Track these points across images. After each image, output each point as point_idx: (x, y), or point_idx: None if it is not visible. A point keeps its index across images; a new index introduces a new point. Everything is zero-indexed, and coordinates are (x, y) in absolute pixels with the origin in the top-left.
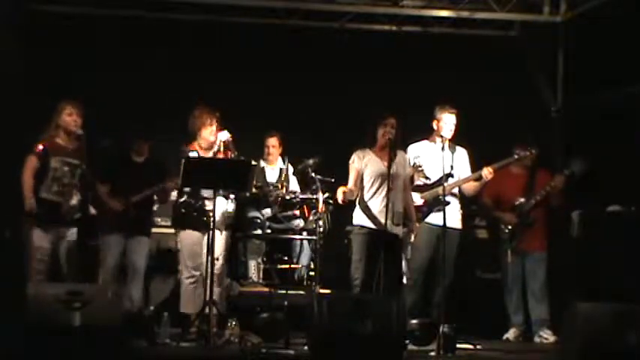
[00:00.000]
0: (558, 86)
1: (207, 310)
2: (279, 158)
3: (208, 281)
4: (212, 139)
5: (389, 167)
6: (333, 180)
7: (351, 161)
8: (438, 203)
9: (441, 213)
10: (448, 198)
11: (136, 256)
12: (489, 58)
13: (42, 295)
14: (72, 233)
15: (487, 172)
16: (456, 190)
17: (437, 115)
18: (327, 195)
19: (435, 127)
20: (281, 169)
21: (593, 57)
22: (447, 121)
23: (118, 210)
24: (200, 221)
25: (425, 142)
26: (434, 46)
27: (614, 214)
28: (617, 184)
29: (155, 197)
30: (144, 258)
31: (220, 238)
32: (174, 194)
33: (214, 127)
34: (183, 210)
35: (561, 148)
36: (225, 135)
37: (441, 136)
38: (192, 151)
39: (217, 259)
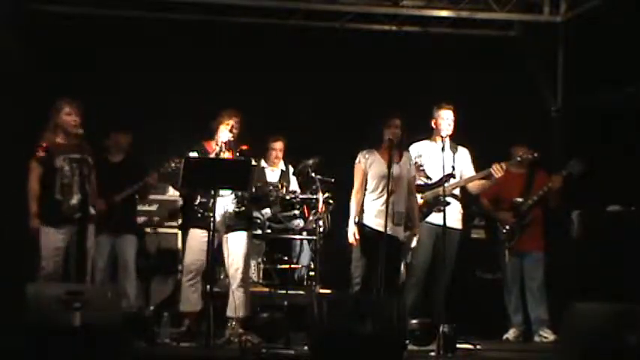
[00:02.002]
0: (558, 86)
1: (209, 309)
2: (281, 160)
3: (213, 281)
4: (224, 137)
5: (389, 167)
6: (333, 180)
7: (356, 161)
8: (438, 203)
9: (442, 213)
10: (448, 198)
11: (126, 255)
12: (489, 58)
13: (42, 295)
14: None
15: (497, 168)
16: (456, 191)
17: (434, 114)
18: (327, 195)
19: (434, 125)
20: (281, 170)
21: (593, 57)
22: (444, 117)
23: (102, 209)
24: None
25: (426, 141)
26: (434, 46)
27: (614, 214)
28: (616, 184)
29: (137, 196)
30: (133, 255)
31: (241, 239)
32: (173, 192)
33: (229, 126)
34: (200, 212)
35: (561, 148)
36: (226, 136)
37: (441, 136)
38: (193, 150)
39: (239, 260)
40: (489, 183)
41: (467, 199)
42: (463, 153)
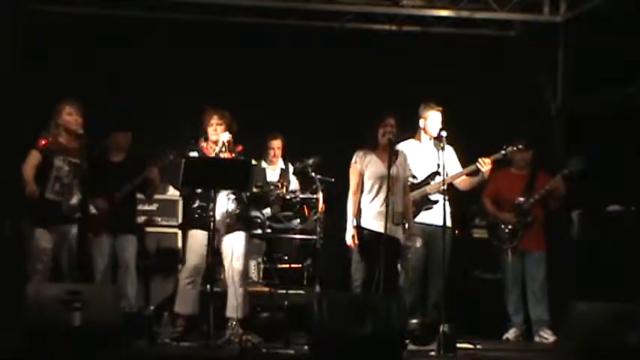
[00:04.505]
0: (558, 86)
1: (209, 309)
2: (281, 159)
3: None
4: (214, 138)
5: (389, 168)
6: (332, 180)
7: (352, 162)
8: (425, 203)
9: (429, 212)
10: (437, 196)
11: (126, 255)
12: (489, 58)
13: (42, 295)
14: (73, 232)
15: (482, 162)
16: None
17: (422, 114)
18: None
19: (421, 125)
20: (282, 169)
21: (593, 57)
22: (433, 119)
23: (105, 209)
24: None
25: (411, 140)
26: (434, 46)
27: (614, 214)
28: (616, 184)
29: (141, 195)
30: (133, 255)
31: (239, 239)
32: (173, 192)
33: (217, 127)
34: (197, 214)
35: (561, 148)
36: (226, 136)
37: (431, 136)
38: (193, 150)
39: (238, 260)
40: (478, 179)
41: (467, 199)
42: (448, 151)
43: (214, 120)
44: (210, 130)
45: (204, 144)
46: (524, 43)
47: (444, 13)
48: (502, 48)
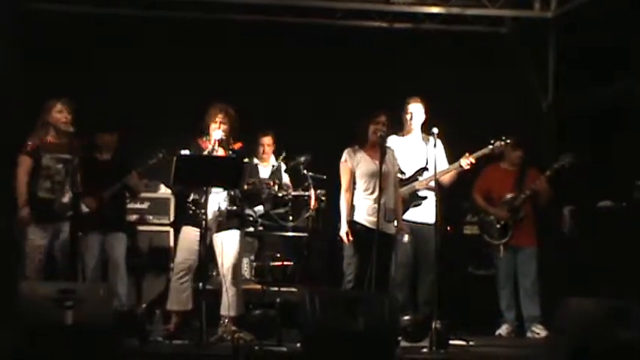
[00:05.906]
0: (549, 82)
1: (201, 307)
2: (272, 156)
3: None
4: (217, 135)
5: (381, 165)
6: (324, 177)
7: (342, 160)
8: (414, 199)
9: (417, 209)
10: (425, 192)
11: (115, 253)
12: (480, 55)
13: (34, 293)
14: (65, 230)
15: (466, 163)
16: (432, 184)
17: (405, 108)
18: (319, 192)
19: (405, 119)
20: (273, 166)
21: (584, 53)
22: (415, 112)
23: (92, 208)
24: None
25: (394, 136)
26: (425, 43)
27: (605, 210)
28: (607, 179)
29: (127, 194)
30: (123, 254)
31: (233, 238)
32: (165, 190)
33: (220, 125)
34: (192, 210)
35: (552, 145)
36: (218, 134)
37: (432, 134)
38: (185, 148)
39: (230, 259)
40: (455, 175)
41: (459, 195)
42: (438, 147)
43: (219, 118)
44: (213, 127)
45: (204, 139)
46: (514, 40)
47: (435, 9)
48: (493, 45)
